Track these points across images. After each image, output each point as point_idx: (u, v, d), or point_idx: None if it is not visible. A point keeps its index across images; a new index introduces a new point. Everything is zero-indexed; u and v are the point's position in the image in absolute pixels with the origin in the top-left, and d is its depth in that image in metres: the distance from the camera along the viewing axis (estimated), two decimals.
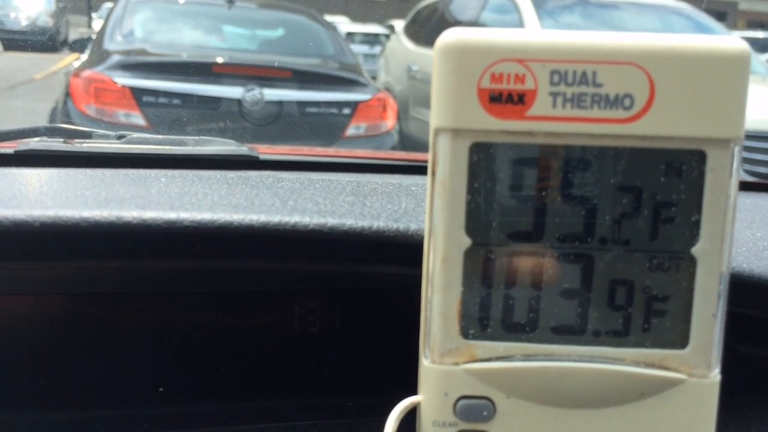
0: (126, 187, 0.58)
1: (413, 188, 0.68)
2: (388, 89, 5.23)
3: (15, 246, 0.51)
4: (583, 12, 4.57)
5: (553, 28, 4.23)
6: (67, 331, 0.62)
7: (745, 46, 0.37)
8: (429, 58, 4.93)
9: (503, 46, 0.37)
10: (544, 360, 0.40)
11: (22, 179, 0.63)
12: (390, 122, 3.85)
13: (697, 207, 0.38)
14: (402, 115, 4.66)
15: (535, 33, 0.37)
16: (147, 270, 0.60)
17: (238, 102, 3.49)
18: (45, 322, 0.62)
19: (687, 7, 4.76)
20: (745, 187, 0.37)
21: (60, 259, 0.53)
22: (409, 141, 4.52)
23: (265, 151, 1.01)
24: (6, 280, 0.60)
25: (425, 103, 4.76)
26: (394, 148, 3.76)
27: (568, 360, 0.40)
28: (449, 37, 0.37)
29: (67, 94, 3.40)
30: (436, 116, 0.38)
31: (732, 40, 0.37)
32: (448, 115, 0.37)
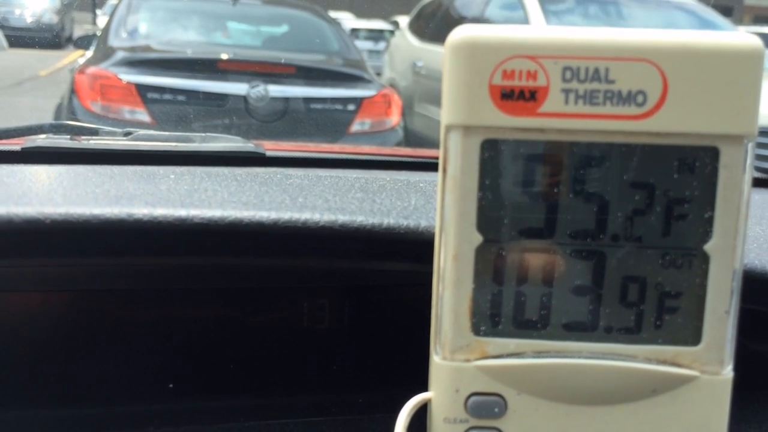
0: (135, 184, 0.58)
1: (422, 185, 0.67)
2: (392, 85, 5.22)
3: (25, 243, 0.51)
4: (588, 9, 4.56)
5: (558, 25, 4.22)
6: (77, 328, 0.63)
7: (759, 42, 0.37)
8: (434, 54, 4.91)
9: (515, 42, 0.37)
10: (555, 357, 0.40)
11: (31, 176, 0.63)
12: (395, 118, 3.85)
13: (710, 203, 0.38)
14: (407, 111, 4.65)
15: (547, 29, 0.37)
16: (157, 267, 0.60)
17: (243, 99, 3.49)
18: (54, 319, 0.62)
19: (693, 3, 4.74)
20: (754, 183, 0.36)
21: (70, 256, 0.53)
22: (414, 137, 4.52)
23: (271, 147, 1.01)
24: (16, 277, 0.60)
25: (430, 99, 4.78)
26: (399, 145, 3.76)
27: (579, 357, 0.40)
28: (461, 34, 0.37)
29: (73, 91, 3.40)
30: (447, 113, 0.38)
31: (745, 36, 0.37)
32: (460, 112, 0.37)
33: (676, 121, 0.37)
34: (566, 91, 0.37)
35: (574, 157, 0.38)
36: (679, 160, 0.38)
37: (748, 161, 0.38)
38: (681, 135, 0.37)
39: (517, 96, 0.37)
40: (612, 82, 0.36)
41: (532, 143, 0.38)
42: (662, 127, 0.37)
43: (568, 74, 0.36)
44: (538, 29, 0.37)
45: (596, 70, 0.36)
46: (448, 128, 0.38)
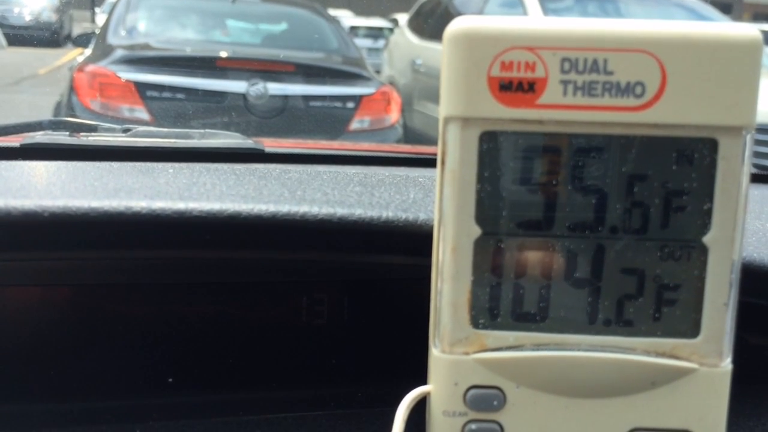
0: (134, 178, 0.58)
1: (420, 179, 0.67)
2: (392, 83, 5.22)
3: (24, 237, 0.51)
4: (587, 7, 4.56)
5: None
6: (76, 322, 0.63)
7: (757, 34, 0.37)
8: (433, 52, 4.91)
9: (513, 33, 0.37)
10: (554, 349, 0.40)
11: (30, 171, 0.63)
12: (394, 116, 3.85)
13: (709, 195, 0.38)
14: (406, 108, 4.66)
15: (545, 20, 0.37)
16: (155, 260, 0.60)
17: (242, 96, 3.49)
18: (53, 313, 0.62)
19: (692, 0, 4.74)
20: (753, 178, 0.36)
21: (68, 250, 0.53)
22: (413, 135, 4.53)
23: (270, 144, 1.01)
24: (15, 271, 0.60)
25: (429, 96, 4.78)
26: (398, 142, 3.76)
27: (578, 349, 0.39)
28: (459, 25, 0.37)
29: (72, 89, 3.40)
30: (445, 105, 0.38)
31: (743, 28, 0.37)
32: (458, 104, 0.37)
33: (675, 112, 0.37)
34: (565, 83, 0.37)
35: (572, 149, 0.38)
36: (677, 152, 0.37)
37: (747, 153, 0.37)
38: (680, 126, 0.37)
39: (515, 87, 0.37)
40: (610, 73, 0.36)
41: (530, 135, 0.38)
42: (661, 118, 0.37)
43: (567, 65, 0.36)
44: (537, 20, 0.37)
45: (595, 62, 0.36)
46: (447, 120, 0.38)
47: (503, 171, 0.38)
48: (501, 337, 0.40)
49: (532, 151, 0.38)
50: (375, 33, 11.21)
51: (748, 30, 0.37)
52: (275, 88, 3.55)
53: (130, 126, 0.99)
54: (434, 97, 4.37)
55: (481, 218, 0.38)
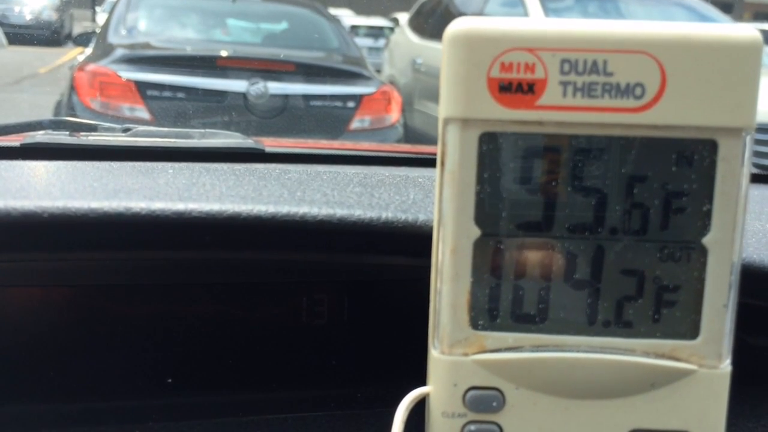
0: (134, 179, 0.58)
1: (420, 180, 0.67)
2: (392, 82, 5.22)
3: (23, 238, 0.51)
4: (588, 7, 4.55)
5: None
6: (76, 322, 0.63)
7: (757, 35, 0.37)
8: (433, 51, 4.91)
9: (513, 35, 0.37)
10: (553, 351, 0.40)
11: (29, 171, 0.63)
12: (394, 115, 3.85)
13: (709, 197, 0.38)
14: (406, 108, 4.65)
15: (545, 22, 0.37)
16: (155, 261, 0.60)
17: (243, 95, 3.49)
18: (53, 314, 0.62)
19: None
20: (753, 179, 0.36)
21: (68, 251, 0.53)
22: (413, 134, 4.52)
23: (271, 144, 1.01)
24: (14, 271, 0.60)
25: (430, 96, 4.78)
26: (398, 142, 3.76)
27: (577, 351, 0.39)
28: (459, 26, 0.37)
29: (72, 88, 3.40)
30: (445, 106, 0.38)
31: (743, 29, 0.37)
32: (458, 105, 0.37)
33: (675, 113, 0.36)
34: (564, 84, 0.36)
35: (572, 150, 0.38)
36: (677, 153, 0.37)
37: (747, 154, 0.37)
38: (679, 128, 0.37)
39: (515, 89, 0.37)
40: (610, 74, 0.36)
41: (530, 136, 0.38)
42: (660, 119, 0.37)
43: (567, 67, 0.36)
44: (537, 21, 0.37)
45: (594, 63, 0.36)
46: (446, 121, 0.38)
47: (503, 172, 0.38)
48: (500, 338, 0.40)
49: (531, 152, 0.38)
50: (375, 32, 11.21)
51: (748, 31, 0.37)
52: (275, 87, 3.55)
53: (130, 126, 0.99)
54: (435, 96, 4.37)
55: (480, 219, 0.38)
